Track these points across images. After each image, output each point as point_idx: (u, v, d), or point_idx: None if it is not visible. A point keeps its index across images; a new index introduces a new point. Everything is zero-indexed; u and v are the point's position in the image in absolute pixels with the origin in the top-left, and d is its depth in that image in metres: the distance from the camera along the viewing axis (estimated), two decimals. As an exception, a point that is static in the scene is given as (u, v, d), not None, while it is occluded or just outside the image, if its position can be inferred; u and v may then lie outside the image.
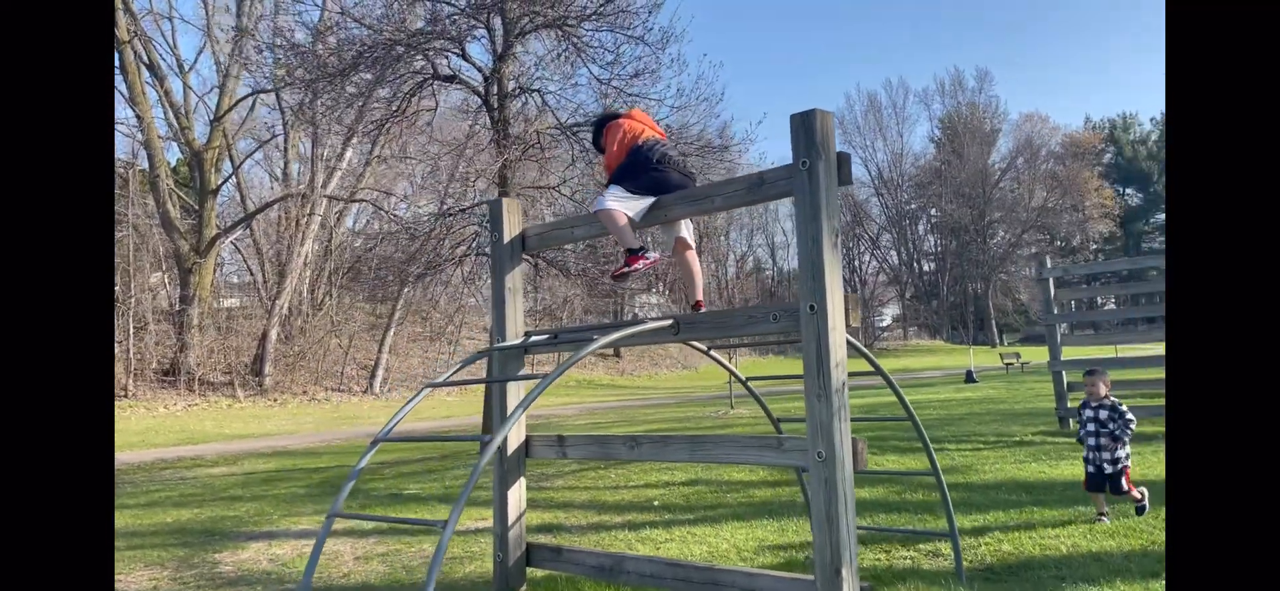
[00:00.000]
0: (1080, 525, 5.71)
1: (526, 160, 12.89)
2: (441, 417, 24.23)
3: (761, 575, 3.83)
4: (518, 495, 4.75)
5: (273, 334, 29.56)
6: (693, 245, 4.82)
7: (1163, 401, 12.55)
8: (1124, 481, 5.77)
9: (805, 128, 3.52)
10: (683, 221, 4.69)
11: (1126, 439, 5.80)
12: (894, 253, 71.49)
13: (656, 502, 7.79)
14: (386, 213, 24.65)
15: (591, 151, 12.44)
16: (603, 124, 5.00)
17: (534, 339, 4.59)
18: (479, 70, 12.48)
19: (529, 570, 4.80)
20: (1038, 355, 41.29)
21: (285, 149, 33.70)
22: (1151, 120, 71.37)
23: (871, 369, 4.62)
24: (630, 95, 12.28)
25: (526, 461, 4.81)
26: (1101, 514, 5.82)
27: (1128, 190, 69.55)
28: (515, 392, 4.76)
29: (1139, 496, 5.78)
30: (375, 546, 6.65)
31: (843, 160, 3.55)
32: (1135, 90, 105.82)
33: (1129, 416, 5.77)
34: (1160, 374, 15.86)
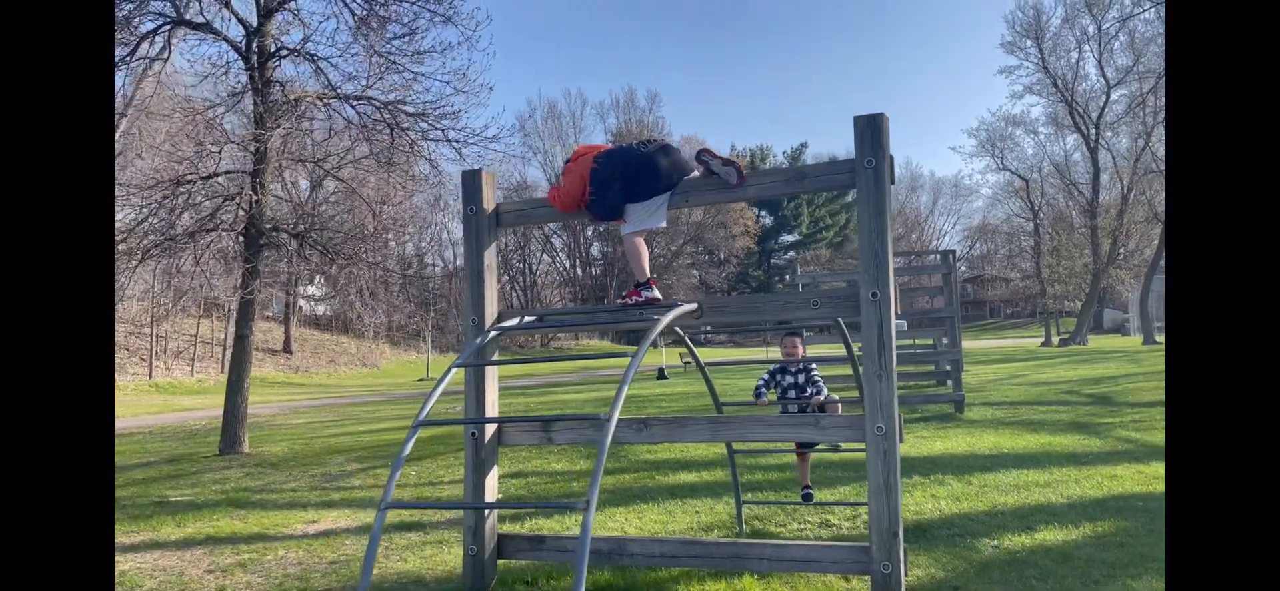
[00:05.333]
0: (920, 493, 6.66)
1: (282, 129, 11.64)
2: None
3: (793, 545, 4.07)
4: (492, 483, 4.49)
5: None
6: None
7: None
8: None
9: (872, 130, 3.85)
10: None
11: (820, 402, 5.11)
12: (565, 256, 74.27)
13: (521, 494, 7.62)
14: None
15: (363, 123, 11.65)
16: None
17: (527, 320, 4.39)
18: (239, 21, 11.04)
19: (501, 562, 4.55)
20: (704, 355, 45.67)
21: None
22: (784, 153, 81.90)
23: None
24: (414, 72, 11.68)
25: (498, 449, 4.55)
26: (807, 487, 5.56)
27: (762, 213, 79.04)
28: (490, 376, 4.50)
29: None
30: (220, 558, 5.76)
31: (892, 161, 3.93)
32: (771, 126, 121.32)
33: (820, 380, 5.19)
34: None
